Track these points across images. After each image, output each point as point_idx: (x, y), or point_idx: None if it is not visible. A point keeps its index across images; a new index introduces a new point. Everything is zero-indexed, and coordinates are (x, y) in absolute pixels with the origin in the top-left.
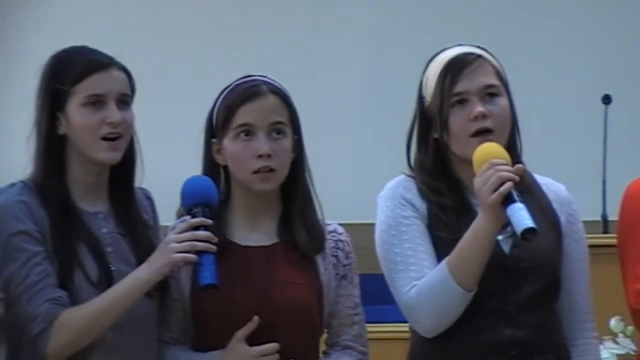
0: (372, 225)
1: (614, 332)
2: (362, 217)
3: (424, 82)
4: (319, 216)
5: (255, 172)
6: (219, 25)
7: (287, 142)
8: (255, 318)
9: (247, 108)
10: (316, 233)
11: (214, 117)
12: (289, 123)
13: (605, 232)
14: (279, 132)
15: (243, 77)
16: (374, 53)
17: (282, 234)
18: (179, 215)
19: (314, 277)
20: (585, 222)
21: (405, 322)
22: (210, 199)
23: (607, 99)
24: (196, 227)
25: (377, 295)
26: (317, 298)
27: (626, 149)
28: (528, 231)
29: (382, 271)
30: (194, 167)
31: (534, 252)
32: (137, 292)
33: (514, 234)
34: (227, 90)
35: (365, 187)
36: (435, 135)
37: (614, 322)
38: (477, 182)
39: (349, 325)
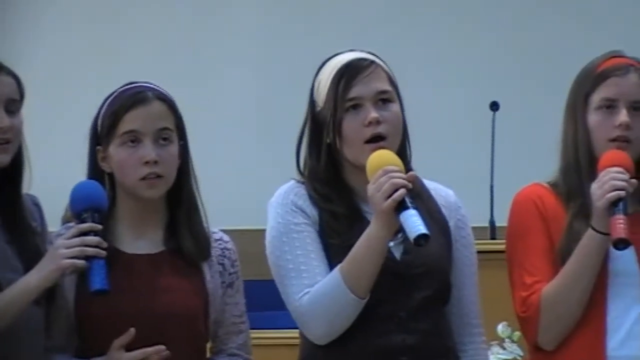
0: (261, 231)
1: (501, 337)
2: (249, 223)
3: (315, 86)
4: (205, 223)
5: (142, 179)
6: (105, 31)
7: (173, 148)
8: (132, 330)
9: (132, 115)
10: (202, 240)
11: (99, 124)
12: (175, 129)
13: (493, 238)
14: (165, 138)
15: (127, 84)
16: (262, 57)
17: (168, 242)
18: (65, 221)
19: (199, 285)
20: (473, 228)
21: (295, 328)
22: (100, 204)
23: (494, 106)
24: (85, 233)
25: (267, 301)
26: (203, 305)
27: (514, 155)
28: (421, 237)
29: (273, 277)
30: (81, 173)
31: (425, 258)
32: (26, 298)
33: (405, 240)
34: (112, 97)
35: (252, 193)
36: (328, 141)
37: (501, 328)
38: (370, 188)
39: (236, 333)
